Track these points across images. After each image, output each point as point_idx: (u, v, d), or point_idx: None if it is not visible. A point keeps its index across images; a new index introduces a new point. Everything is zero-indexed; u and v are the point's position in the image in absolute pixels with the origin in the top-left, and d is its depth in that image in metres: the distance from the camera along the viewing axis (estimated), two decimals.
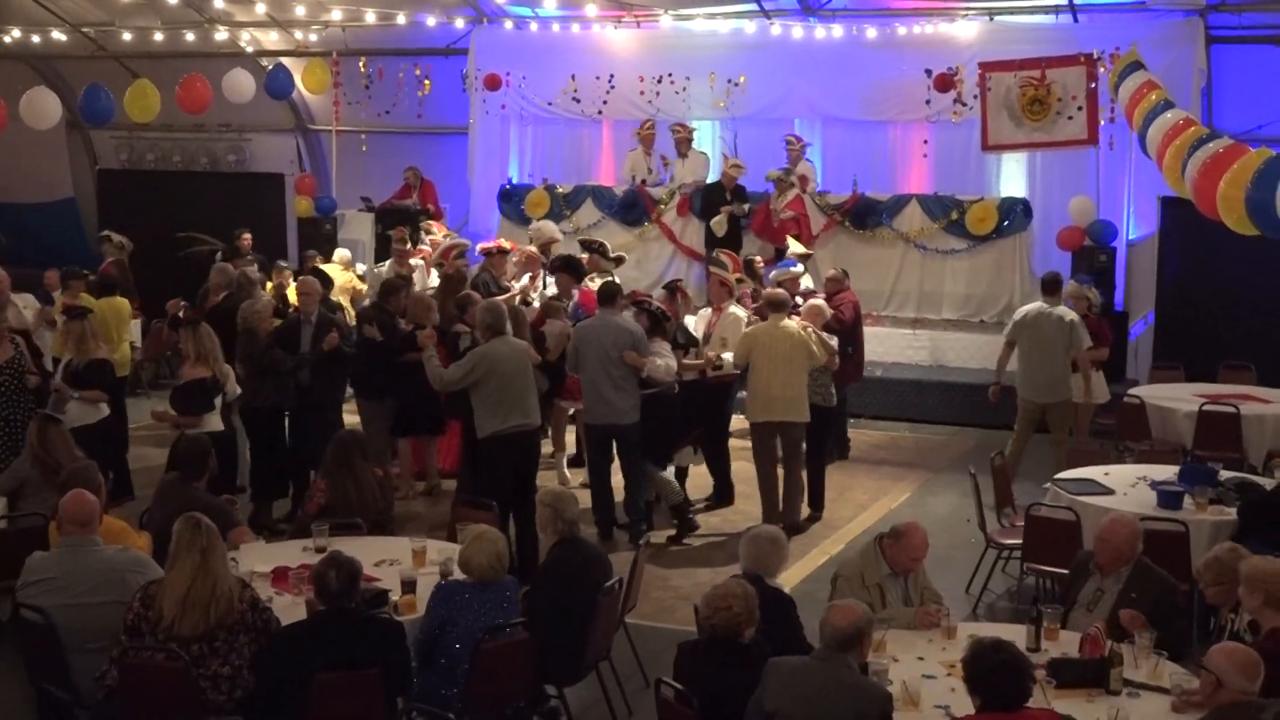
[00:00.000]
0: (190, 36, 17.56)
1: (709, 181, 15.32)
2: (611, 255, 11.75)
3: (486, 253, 12.05)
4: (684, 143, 15.71)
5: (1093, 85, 13.40)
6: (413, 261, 13.21)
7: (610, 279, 10.41)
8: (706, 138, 16.44)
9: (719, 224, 14.57)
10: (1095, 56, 13.54)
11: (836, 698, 4.73)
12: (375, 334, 9.86)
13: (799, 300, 10.38)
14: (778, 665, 4.93)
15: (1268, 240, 7.70)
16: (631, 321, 9.40)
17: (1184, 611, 6.26)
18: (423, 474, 10.56)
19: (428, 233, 14.19)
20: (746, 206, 14.60)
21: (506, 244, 12.42)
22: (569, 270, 11.16)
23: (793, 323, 9.52)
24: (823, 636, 4.93)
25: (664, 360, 9.30)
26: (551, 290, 11.46)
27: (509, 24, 17.03)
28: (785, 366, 9.35)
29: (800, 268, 11.57)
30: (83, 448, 7.64)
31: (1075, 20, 14.59)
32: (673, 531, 9.56)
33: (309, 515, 7.20)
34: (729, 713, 4.94)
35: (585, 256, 11.66)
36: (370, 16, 16.73)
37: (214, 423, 8.78)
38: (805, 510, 9.88)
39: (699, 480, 10.40)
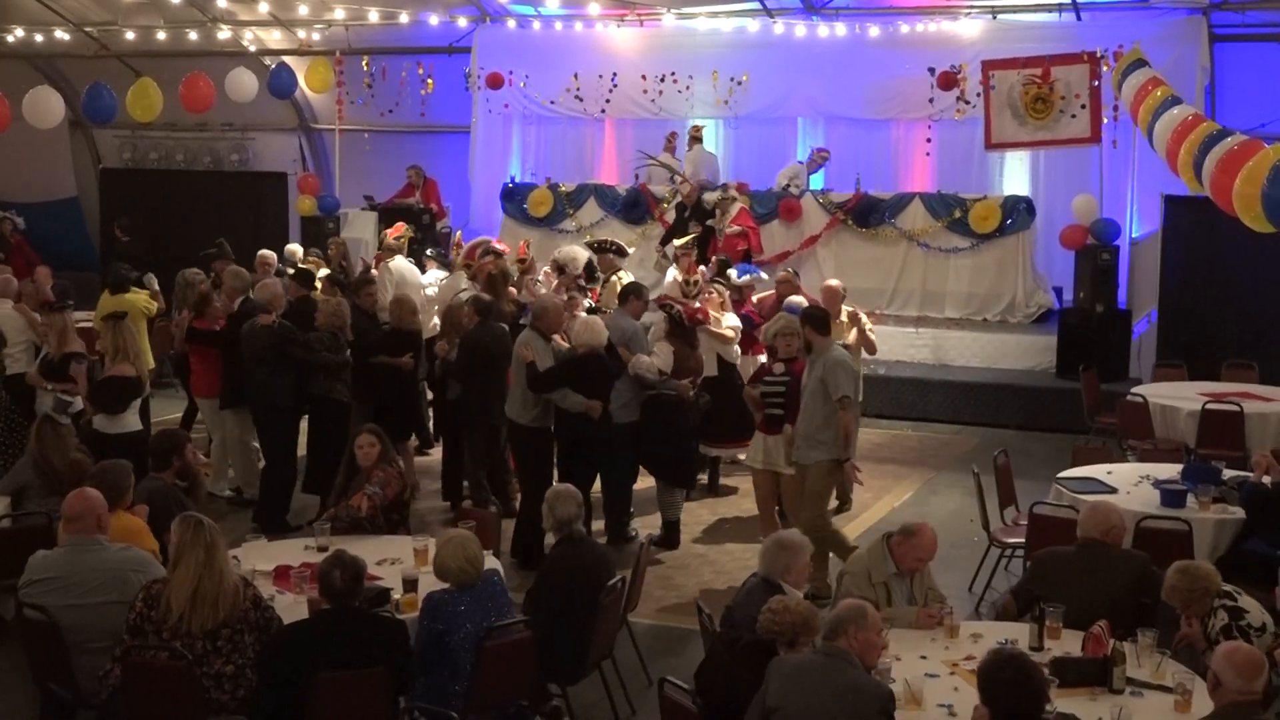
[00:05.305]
0: (193, 35, 17.58)
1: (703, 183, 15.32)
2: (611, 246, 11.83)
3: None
4: (694, 140, 15.79)
5: (1096, 83, 13.39)
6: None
7: (633, 280, 10.58)
8: (710, 137, 16.46)
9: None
10: (1098, 55, 13.54)
11: (836, 694, 4.73)
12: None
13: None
14: (781, 662, 4.96)
15: (1271, 238, 7.63)
16: (630, 320, 9.43)
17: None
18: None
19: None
20: (704, 224, 14.55)
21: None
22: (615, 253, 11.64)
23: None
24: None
25: (649, 358, 9.24)
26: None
27: (511, 23, 17.03)
28: None
29: (763, 274, 11.78)
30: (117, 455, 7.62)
31: (1078, 18, 14.60)
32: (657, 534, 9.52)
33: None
34: (740, 717, 4.95)
35: (599, 257, 11.64)
36: (373, 15, 16.75)
37: (132, 422, 8.71)
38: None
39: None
